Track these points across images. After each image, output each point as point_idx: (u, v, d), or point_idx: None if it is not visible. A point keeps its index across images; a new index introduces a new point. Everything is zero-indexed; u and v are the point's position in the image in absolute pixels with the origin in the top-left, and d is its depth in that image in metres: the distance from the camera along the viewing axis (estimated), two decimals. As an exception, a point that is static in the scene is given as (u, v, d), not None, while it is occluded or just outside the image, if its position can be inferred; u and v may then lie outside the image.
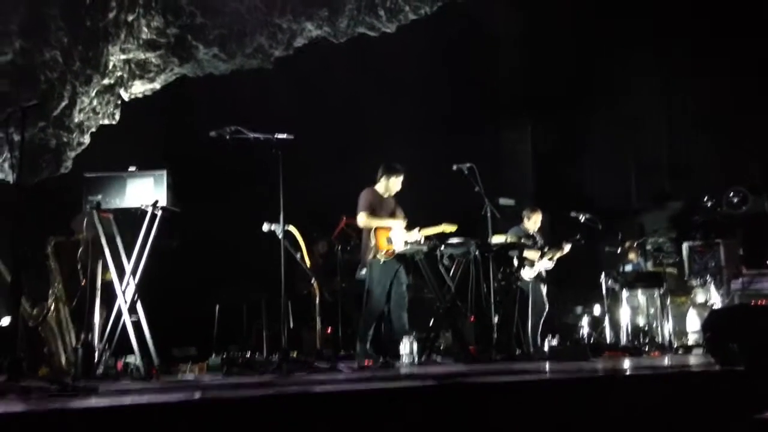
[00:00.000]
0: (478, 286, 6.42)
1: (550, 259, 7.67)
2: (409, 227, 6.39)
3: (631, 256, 9.14)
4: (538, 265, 7.61)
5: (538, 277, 7.66)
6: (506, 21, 11.22)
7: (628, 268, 8.95)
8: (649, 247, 9.93)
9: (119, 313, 4.72)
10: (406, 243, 6.27)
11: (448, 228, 6.44)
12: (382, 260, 6.17)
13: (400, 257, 6.25)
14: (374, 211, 6.29)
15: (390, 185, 6.46)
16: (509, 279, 7.22)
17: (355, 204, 6.35)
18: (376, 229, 6.24)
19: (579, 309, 9.04)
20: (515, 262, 7.34)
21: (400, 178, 6.46)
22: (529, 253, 7.51)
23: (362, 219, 6.26)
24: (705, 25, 10.54)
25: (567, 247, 7.72)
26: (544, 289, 7.72)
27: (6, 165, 5.42)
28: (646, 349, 7.66)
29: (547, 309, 7.70)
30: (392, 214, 6.42)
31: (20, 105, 3.78)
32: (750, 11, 9.99)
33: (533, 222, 7.82)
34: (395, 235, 6.25)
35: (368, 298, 6.18)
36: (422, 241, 6.34)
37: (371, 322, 6.18)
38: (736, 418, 3.49)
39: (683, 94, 11.99)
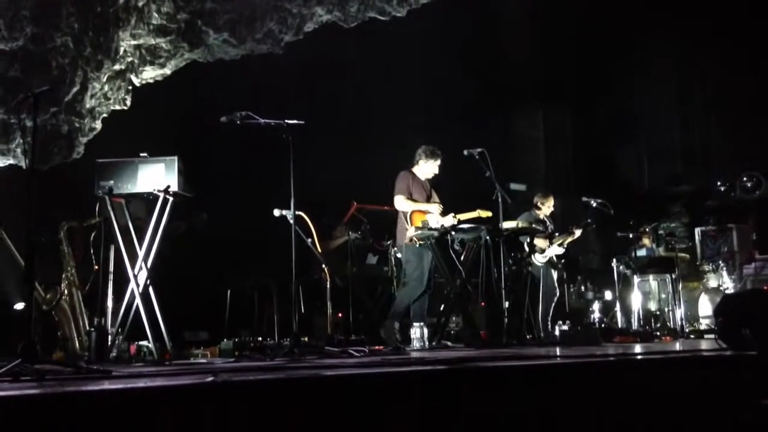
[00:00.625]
0: (489, 271, 6.41)
1: (560, 244, 7.65)
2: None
3: (645, 240, 9.09)
4: (549, 250, 7.60)
5: (549, 262, 7.65)
6: (517, 4, 11.12)
7: (641, 253, 8.90)
8: (661, 231, 9.88)
9: (132, 298, 4.77)
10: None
11: (483, 213, 6.47)
12: (418, 244, 6.19)
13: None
14: (411, 194, 6.31)
15: (428, 169, 6.46)
16: (520, 264, 7.21)
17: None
18: (411, 212, 6.25)
19: (590, 294, 9.03)
20: (526, 247, 7.34)
21: (438, 163, 6.46)
22: (538, 241, 7.50)
23: (399, 201, 6.27)
24: (716, 10, 10.41)
25: (578, 232, 7.70)
26: (555, 273, 7.71)
27: (18, 151, 5.45)
28: (658, 334, 7.64)
29: (557, 294, 7.69)
30: (428, 198, 6.43)
31: (32, 91, 3.78)
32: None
33: (546, 207, 7.80)
34: (431, 219, 6.25)
35: (407, 280, 6.24)
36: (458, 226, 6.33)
37: (407, 303, 6.18)
38: (748, 402, 3.48)
39: (698, 78, 11.86)
